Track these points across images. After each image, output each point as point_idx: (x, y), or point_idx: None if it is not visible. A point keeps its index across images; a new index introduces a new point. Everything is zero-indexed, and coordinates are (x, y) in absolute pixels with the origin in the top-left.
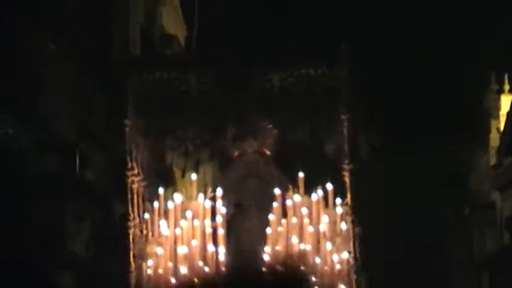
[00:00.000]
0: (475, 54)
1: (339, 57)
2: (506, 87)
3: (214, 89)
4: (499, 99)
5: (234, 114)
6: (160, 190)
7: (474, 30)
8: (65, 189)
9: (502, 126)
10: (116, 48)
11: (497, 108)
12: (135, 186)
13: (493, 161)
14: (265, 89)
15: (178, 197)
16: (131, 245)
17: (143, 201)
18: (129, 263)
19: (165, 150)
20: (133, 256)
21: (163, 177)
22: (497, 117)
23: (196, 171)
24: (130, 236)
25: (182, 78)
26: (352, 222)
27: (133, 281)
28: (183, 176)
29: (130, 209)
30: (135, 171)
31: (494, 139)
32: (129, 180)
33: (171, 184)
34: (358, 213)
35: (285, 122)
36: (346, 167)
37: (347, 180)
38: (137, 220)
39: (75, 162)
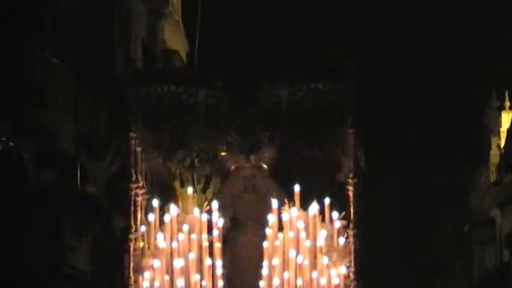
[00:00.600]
0: (476, 71)
1: (346, 72)
2: (507, 104)
3: (220, 102)
4: (499, 116)
5: (238, 128)
6: (155, 202)
7: (476, 47)
8: (66, 202)
9: (502, 143)
10: (117, 62)
11: (498, 124)
12: (139, 199)
13: (493, 177)
14: (272, 103)
15: (174, 210)
16: (131, 258)
17: (146, 214)
18: (129, 276)
19: (171, 164)
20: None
21: (165, 190)
22: (498, 133)
23: (208, 186)
24: (131, 249)
25: (189, 92)
26: (354, 236)
27: None
28: (182, 185)
29: (132, 222)
30: (140, 184)
31: (495, 156)
32: (133, 193)
33: (172, 198)
34: (360, 228)
35: (289, 135)
36: (350, 181)
37: (350, 194)
38: (139, 233)
39: (76, 175)
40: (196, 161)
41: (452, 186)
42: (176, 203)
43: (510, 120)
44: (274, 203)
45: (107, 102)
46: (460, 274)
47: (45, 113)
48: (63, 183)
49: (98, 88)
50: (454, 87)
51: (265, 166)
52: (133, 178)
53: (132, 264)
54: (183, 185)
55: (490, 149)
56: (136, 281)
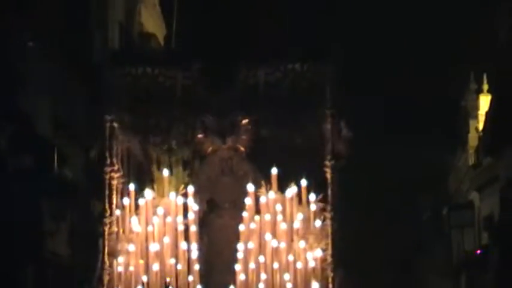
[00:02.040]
0: (454, 54)
1: (326, 52)
2: (485, 87)
3: (197, 83)
4: (477, 99)
5: (214, 110)
6: (131, 186)
7: (455, 30)
8: (44, 187)
9: (480, 126)
10: (95, 45)
11: (476, 108)
12: (114, 182)
13: (471, 160)
14: (250, 84)
15: (149, 193)
16: (106, 242)
17: (122, 198)
18: (103, 260)
19: (148, 147)
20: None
21: (142, 174)
22: (476, 117)
23: (184, 169)
24: (106, 233)
25: (166, 74)
26: (331, 219)
27: (106, 278)
28: (158, 168)
29: (107, 206)
30: (115, 168)
31: (473, 139)
32: (108, 176)
33: (149, 181)
34: (337, 210)
35: (267, 117)
36: (327, 163)
37: (328, 176)
38: (114, 217)
39: (54, 159)
40: (174, 143)
41: (430, 169)
42: (152, 186)
43: (488, 103)
44: (251, 186)
45: (85, 86)
46: (439, 257)
47: (23, 97)
48: (40, 167)
49: (76, 71)
50: (433, 69)
51: (242, 148)
52: (108, 161)
53: (107, 249)
54: (158, 168)
55: (468, 132)
56: (111, 265)
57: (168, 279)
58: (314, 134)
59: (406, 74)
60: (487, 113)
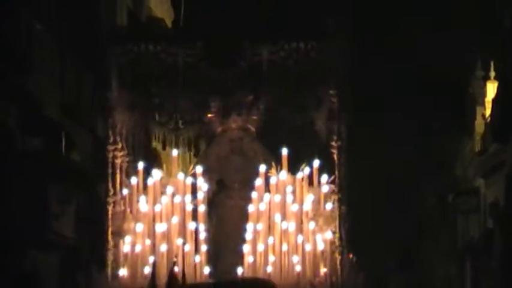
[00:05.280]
0: (462, 41)
1: (330, 32)
2: (492, 73)
3: (201, 62)
4: (484, 86)
5: (220, 89)
6: (140, 165)
7: (462, 16)
8: (50, 169)
9: (487, 112)
10: (103, 31)
11: (483, 94)
12: (117, 161)
13: (477, 147)
14: (254, 63)
15: (157, 173)
16: (110, 222)
17: (126, 177)
18: (107, 240)
19: (153, 126)
20: (112, 233)
21: (149, 154)
22: (483, 103)
23: (189, 149)
24: (110, 212)
25: (168, 51)
26: (338, 200)
27: (111, 258)
28: (163, 148)
29: (110, 185)
30: (118, 146)
31: (480, 125)
32: (111, 155)
33: (156, 161)
34: (345, 192)
35: (273, 96)
36: (333, 144)
37: (335, 157)
38: (119, 196)
39: (61, 142)
40: (180, 123)
41: (437, 155)
42: (160, 166)
43: (495, 90)
44: (262, 166)
45: (92, 69)
46: (444, 242)
47: (31, 80)
48: (48, 149)
49: (84, 55)
50: (440, 56)
51: (252, 128)
52: (112, 140)
53: (111, 228)
54: (164, 148)
55: (475, 118)
56: (117, 246)
57: (175, 259)
58: (321, 114)
59: (414, 60)
60: (494, 100)
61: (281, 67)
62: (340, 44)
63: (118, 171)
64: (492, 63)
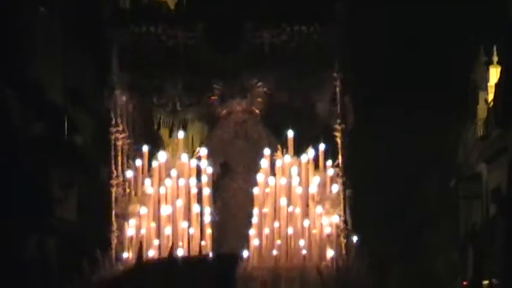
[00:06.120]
0: (464, 25)
1: (333, 14)
2: (495, 58)
3: (202, 44)
4: (487, 71)
5: (223, 71)
6: (145, 148)
7: (465, 2)
8: (53, 153)
9: (489, 97)
10: (105, 13)
11: (486, 79)
12: (119, 143)
13: (480, 132)
14: (256, 46)
15: (163, 156)
16: (113, 204)
17: (128, 159)
18: (111, 223)
19: (153, 108)
20: (116, 216)
21: (151, 136)
22: (485, 88)
23: (184, 130)
24: (113, 195)
25: (168, 33)
26: (343, 184)
27: (115, 241)
28: (170, 135)
29: (113, 167)
30: (120, 128)
31: (482, 110)
32: (113, 137)
33: (158, 144)
34: (349, 176)
35: (276, 80)
36: (337, 127)
37: (338, 141)
38: (121, 179)
39: (64, 127)
40: (178, 105)
41: (439, 140)
42: (163, 148)
43: (498, 75)
44: (267, 149)
45: (95, 54)
46: (447, 228)
47: (33, 64)
48: (51, 134)
49: (86, 38)
50: (443, 40)
51: (257, 111)
52: (114, 122)
53: (114, 211)
54: (171, 135)
55: (477, 103)
56: (121, 229)
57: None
58: (323, 97)
59: (417, 45)
60: (497, 85)
61: (283, 50)
62: (343, 27)
63: (120, 153)
64: (495, 48)
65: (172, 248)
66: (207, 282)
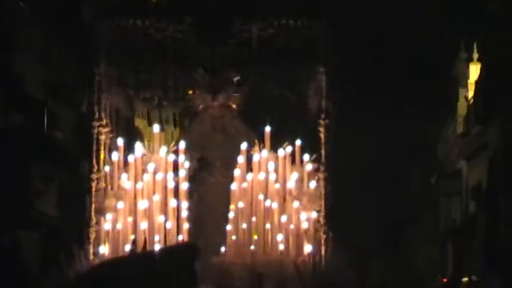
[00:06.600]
0: (445, 22)
1: (320, 8)
2: (475, 55)
3: (189, 38)
4: (467, 68)
5: (207, 65)
6: (120, 141)
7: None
8: (33, 147)
9: (470, 94)
10: (91, 6)
11: (466, 76)
12: (102, 137)
13: (460, 129)
14: (243, 40)
15: (139, 149)
16: (93, 199)
17: (110, 154)
18: (90, 217)
19: (137, 102)
20: (95, 210)
21: (131, 130)
22: (466, 85)
23: (175, 126)
24: (93, 189)
25: (156, 26)
26: (325, 179)
27: (93, 235)
28: (149, 125)
29: (94, 161)
30: (103, 122)
31: (462, 107)
32: (96, 131)
33: (139, 138)
34: (330, 171)
35: (261, 74)
36: (321, 122)
37: (322, 136)
38: (102, 173)
39: (44, 120)
40: (163, 99)
41: (420, 137)
42: (142, 142)
43: (478, 71)
44: (244, 144)
45: (77, 46)
46: (427, 225)
47: (14, 58)
48: (31, 127)
49: (67, 33)
50: (423, 37)
51: (234, 106)
52: (97, 116)
53: (94, 205)
54: (150, 124)
55: (457, 100)
56: (98, 223)
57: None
58: (308, 92)
59: (398, 42)
60: (477, 82)
61: (270, 44)
62: (330, 22)
63: (102, 147)
64: (475, 45)
65: (146, 243)
66: (168, 274)
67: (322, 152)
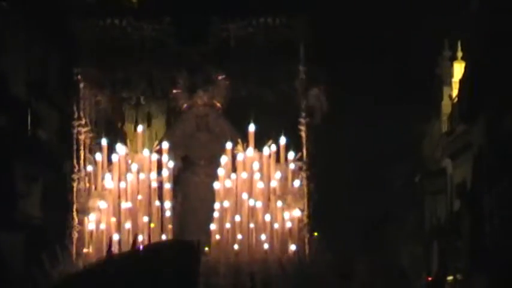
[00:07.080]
0: (429, 20)
1: (299, 7)
2: (459, 54)
3: (168, 37)
4: (451, 66)
5: (187, 64)
6: (104, 142)
7: None
8: (16, 148)
9: (454, 93)
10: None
11: (450, 75)
12: (81, 137)
13: (444, 128)
14: (222, 39)
15: (121, 149)
16: (74, 199)
17: (90, 153)
18: (72, 217)
19: (117, 102)
20: (77, 211)
21: (114, 131)
22: (450, 84)
23: (148, 125)
24: (74, 189)
25: (134, 25)
26: (307, 178)
27: (75, 236)
28: (135, 129)
29: (75, 161)
30: (82, 122)
31: (447, 106)
32: (76, 131)
33: (122, 138)
34: (313, 170)
35: (241, 73)
36: (302, 120)
37: (303, 134)
38: (83, 173)
39: (28, 120)
40: (142, 98)
41: (404, 136)
42: (124, 142)
43: (462, 70)
44: (228, 143)
45: (59, 46)
46: (412, 223)
47: None
48: (14, 128)
49: (51, 32)
50: (407, 36)
51: (218, 105)
52: (76, 115)
53: (76, 205)
54: (135, 129)
55: (442, 99)
56: (81, 223)
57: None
58: (288, 91)
59: (381, 40)
60: (461, 80)
61: (249, 43)
62: (309, 21)
63: (82, 147)
64: (459, 43)
65: (135, 241)
66: (167, 271)
67: (304, 150)
